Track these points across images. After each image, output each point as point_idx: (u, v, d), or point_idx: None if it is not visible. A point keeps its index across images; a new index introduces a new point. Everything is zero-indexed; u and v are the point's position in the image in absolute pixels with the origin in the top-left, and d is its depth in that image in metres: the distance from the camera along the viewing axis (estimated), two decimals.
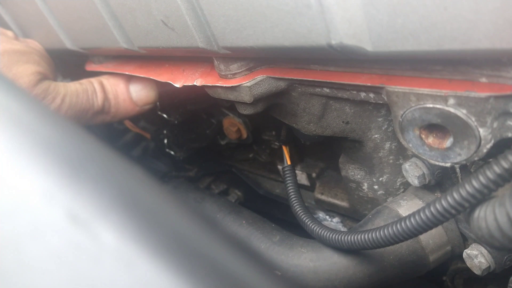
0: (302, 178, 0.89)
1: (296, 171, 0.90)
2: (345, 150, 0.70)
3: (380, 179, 0.68)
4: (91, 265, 0.20)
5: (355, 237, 0.52)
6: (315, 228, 0.60)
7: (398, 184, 0.68)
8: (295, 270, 0.60)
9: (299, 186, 0.72)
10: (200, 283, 0.20)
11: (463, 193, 0.38)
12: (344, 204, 0.81)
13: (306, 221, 0.63)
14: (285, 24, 0.41)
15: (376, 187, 0.69)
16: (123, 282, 0.19)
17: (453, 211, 0.39)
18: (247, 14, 0.44)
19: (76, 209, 0.20)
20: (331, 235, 0.57)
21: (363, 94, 0.51)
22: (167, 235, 0.20)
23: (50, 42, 0.78)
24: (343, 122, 0.62)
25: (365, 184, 0.71)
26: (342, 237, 0.55)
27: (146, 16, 0.54)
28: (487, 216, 0.36)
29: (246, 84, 0.55)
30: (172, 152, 0.93)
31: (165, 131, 0.90)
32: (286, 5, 0.40)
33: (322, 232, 0.58)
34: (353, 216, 0.81)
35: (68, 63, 1.00)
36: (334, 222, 0.84)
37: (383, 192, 0.70)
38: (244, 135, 0.85)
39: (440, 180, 0.59)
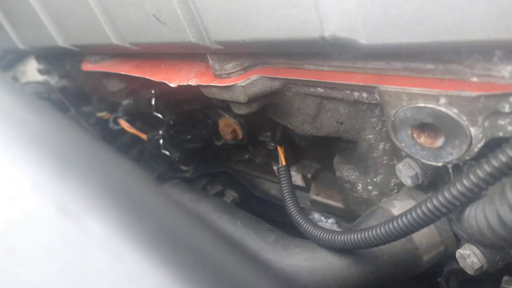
0: (297, 179, 0.90)
1: (292, 172, 0.90)
2: (339, 151, 0.70)
3: (375, 179, 0.68)
4: (79, 256, 0.20)
5: (348, 236, 0.52)
6: (309, 228, 0.60)
7: (392, 184, 0.68)
8: (289, 270, 0.60)
9: (294, 187, 0.72)
10: (187, 274, 0.20)
11: (454, 191, 0.38)
12: (339, 205, 0.81)
13: (300, 221, 0.63)
14: (279, 16, 0.42)
15: (370, 187, 0.70)
16: (111, 273, 0.20)
17: (444, 210, 0.39)
18: (239, 7, 0.44)
19: (65, 200, 0.20)
20: (324, 235, 0.57)
21: (356, 94, 0.51)
22: (155, 227, 0.20)
23: (42, 39, 0.78)
24: (337, 122, 0.62)
25: (360, 184, 0.71)
26: (336, 237, 0.55)
27: (138, 10, 0.54)
28: (477, 215, 0.36)
29: (241, 83, 0.55)
30: (167, 153, 0.93)
31: (160, 132, 0.90)
32: None
33: (316, 232, 0.58)
34: (348, 217, 0.81)
35: (64, 63, 1.00)
36: (329, 223, 0.85)
37: (378, 193, 0.70)
38: (240, 136, 0.86)
39: (433, 180, 0.59)
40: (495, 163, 0.36)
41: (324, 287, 0.56)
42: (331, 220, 0.84)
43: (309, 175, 0.87)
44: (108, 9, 0.58)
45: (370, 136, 0.63)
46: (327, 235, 0.56)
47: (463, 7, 0.32)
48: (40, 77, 1.18)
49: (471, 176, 0.37)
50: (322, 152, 0.85)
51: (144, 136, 0.99)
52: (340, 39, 0.38)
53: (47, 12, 0.69)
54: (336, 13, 0.37)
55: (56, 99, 1.07)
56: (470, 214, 0.37)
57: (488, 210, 0.34)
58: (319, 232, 0.58)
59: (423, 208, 0.42)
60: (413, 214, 0.42)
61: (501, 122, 0.40)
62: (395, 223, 0.46)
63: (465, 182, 0.37)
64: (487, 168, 0.36)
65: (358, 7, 0.36)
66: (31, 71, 1.42)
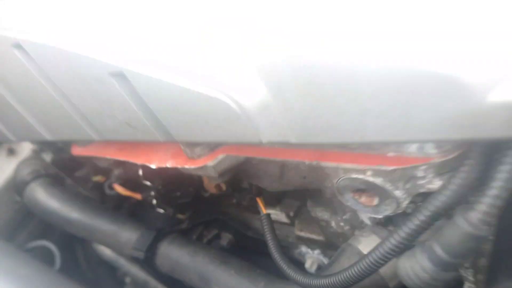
0: (282, 217, 0.98)
1: (276, 211, 0.98)
2: (309, 197, 0.79)
3: (344, 217, 0.77)
4: None
5: (323, 281, 0.61)
6: (290, 273, 0.69)
7: (360, 219, 0.77)
8: None
9: (276, 234, 0.80)
10: None
11: (387, 247, 0.47)
12: (321, 238, 0.89)
13: (283, 267, 0.71)
14: (224, 127, 0.51)
15: (342, 224, 0.78)
16: None
17: (381, 261, 0.48)
18: (193, 119, 0.53)
19: None
20: (303, 279, 0.65)
21: (307, 162, 0.60)
22: None
23: (32, 135, 0.86)
24: (300, 177, 0.71)
25: (333, 222, 0.79)
26: (313, 281, 0.63)
27: (112, 118, 0.63)
28: (406, 267, 0.45)
29: (210, 164, 0.64)
30: (162, 211, 1.02)
31: (152, 193, 0.99)
32: (221, 114, 0.49)
33: (296, 276, 0.67)
34: (330, 247, 0.89)
35: (56, 142, 1.09)
36: (315, 254, 0.93)
37: (349, 227, 0.78)
38: (224, 188, 0.94)
39: (390, 217, 0.68)
40: (413, 226, 0.45)
41: None
42: (317, 251, 0.93)
43: (291, 213, 0.96)
44: (87, 116, 0.67)
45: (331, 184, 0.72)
46: (306, 280, 0.65)
47: (359, 119, 0.41)
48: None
49: (396, 236, 0.46)
50: (299, 192, 0.94)
51: (139, 196, 1.08)
52: (276, 143, 0.47)
53: (32, 114, 0.77)
54: (267, 125, 0.46)
55: (52, 173, 1.16)
56: (399, 266, 0.46)
57: (409, 265, 0.43)
58: (299, 277, 0.66)
59: (370, 258, 0.51)
60: (361, 265, 0.51)
61: (420, 182, 0.49)
62: (360, 265, 0.54)
63: (393, 240, 0.46)
64: (406, 229, 0.45)
65: (284, 120, 0.45)
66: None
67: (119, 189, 1.06)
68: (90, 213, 1.07)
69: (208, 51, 0.45)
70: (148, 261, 0.98)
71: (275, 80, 0.40)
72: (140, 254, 0.98)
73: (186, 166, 0.66)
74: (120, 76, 0.48)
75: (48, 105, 0.67)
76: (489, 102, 0.32)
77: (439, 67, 0.34)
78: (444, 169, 0.46)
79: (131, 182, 1.13)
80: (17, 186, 1.12)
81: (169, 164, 0.69)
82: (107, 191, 1.10)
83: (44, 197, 1.08)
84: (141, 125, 0.58)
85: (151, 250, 0.98)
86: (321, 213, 0.80)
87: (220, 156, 0.64)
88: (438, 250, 0.41)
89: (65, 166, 1.23)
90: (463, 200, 0.42)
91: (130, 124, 0.60)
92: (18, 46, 0.55)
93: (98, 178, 1.20)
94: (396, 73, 0.35)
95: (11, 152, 1.58)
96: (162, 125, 0.57)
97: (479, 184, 0.40)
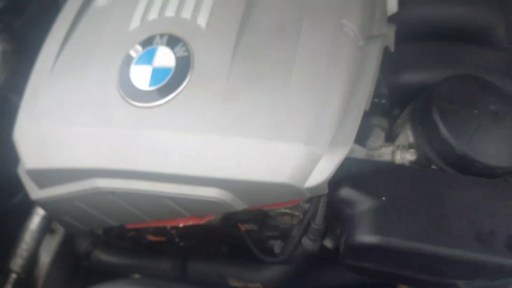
0: (254, 227, 1.65)
1: (250, 226, 1.65)
2: (266, 215, 1.46)
3: (287, 222, 1.45)
4: None
5: (280, 257, 1.29)
6: (263, 258, 1.36)
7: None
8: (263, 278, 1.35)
9: (252, 239, 1.47)
10: None
11: (296, 237, 1.15)
12: (279, 234, 1.57)
13: (260, 255, 1.38)
14: (216, 210, 1.15)
15: (286, 225, 1.46)
16: None
17: (298, 242, 1.16)
18: (202, 208, 1.18)
19: None
20: (270, 259, 1.33)
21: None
22: None
23: (102, 225, 1.47)
24: (258, 210, 1.38)
25: (281, 225, 1.47)
26: (275, 259, 1.31)
27: (162, 211, 1.26)
28: (303, 244, 1.13)
29: (212, 218, 1.29)
30: (182, 243, 1.66)
31: (175, 235, 1.63)
32: (216, 206, 1.14)
33: (267, 259, 1.34)
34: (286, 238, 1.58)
35: None
36: (278, 243, 1.61)
37: (290, 227, 1.47)
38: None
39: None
40: (304, 222, 1.14)
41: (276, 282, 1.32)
42: (279, 242, 1.61)
43: (259, 225, 1.63)
44: (147, 213, 1.29)
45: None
46: (272, 259, 1.32)
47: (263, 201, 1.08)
48: None
49: (299, 230, 1.14)
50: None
51: (164, 239, 1.71)
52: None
53: (107, 216, 1.38)
54: (234, 205, 1.12)
55: (103, 240, 1.75)
56: (303, 242, 1.14)
57: (304, 242, 1.11)
58: (268, 259, 1.34)
59: (293, 240, 1.19)
60: (292, 242, 1.19)
61: (303, 207, 1.17)
62: (290, 245, 1.22)
63: (298, 232, 1.15)
64: (301, 227, 1.13)
65: (238, 203, 1.11)
66: None
67: (152, 237, 1.69)
68: (136, 257, 1.69)
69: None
70: (183, 276, 1.62)
71: (232, 191, 1.07)
72: (177, 273, 1.62)
73: (200, 223, 1.31)
74: (171, 198, 1.12)
75: (120, 210, 1.29)
76: (305, 186, 1.00)
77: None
78: (308, 201, 1.15)
79: (157, 231, 1.76)
80: (84, 255, 1.71)
81: (190, 223, 1.34)
82: (143, 241, 1.72)
83: (105, 257, 1.68)
84: (179, 213, 1.22)
85: (182, 269, 1.62)
86: (275, 222, 1.47)
87: (216, 214, 1.30)
88: (310, 235, 1.09)
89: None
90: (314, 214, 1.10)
91: (172, 213, 1.23)
92: (113, 193, 1.17)
93: (132, 234, 1.81)
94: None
95: (52, 231, 2.12)
96: (189, 210, 1.21)
97: (317, 207, 1.09)
